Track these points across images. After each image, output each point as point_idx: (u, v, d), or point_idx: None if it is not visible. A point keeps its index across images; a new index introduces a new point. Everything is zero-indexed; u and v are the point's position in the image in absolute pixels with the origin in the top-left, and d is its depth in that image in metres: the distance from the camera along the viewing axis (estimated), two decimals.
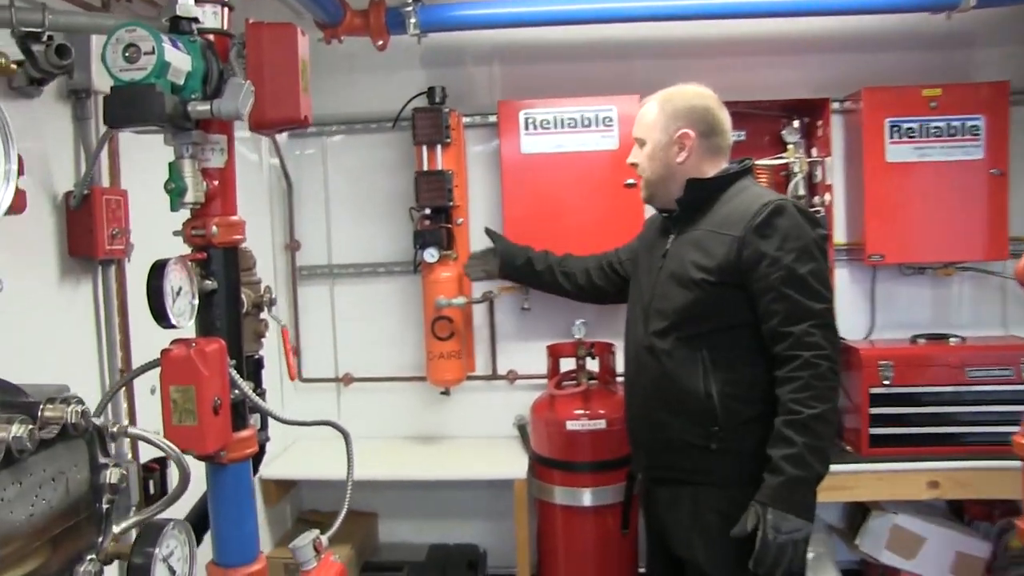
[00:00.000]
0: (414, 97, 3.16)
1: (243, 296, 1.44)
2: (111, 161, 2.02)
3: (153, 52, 1.15)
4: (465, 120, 3.29)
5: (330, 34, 2.78)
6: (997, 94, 3.02)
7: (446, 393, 3.27)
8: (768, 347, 1.95)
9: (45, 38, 1.76)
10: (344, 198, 3.47)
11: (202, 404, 1.25)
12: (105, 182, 2.01)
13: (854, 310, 3.28)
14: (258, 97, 1.32)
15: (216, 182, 1.36)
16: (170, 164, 1.28)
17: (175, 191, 1.26)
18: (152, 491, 2.00)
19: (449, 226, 3.12)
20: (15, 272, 1.68)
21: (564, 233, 3.05)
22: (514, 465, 3.06)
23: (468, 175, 3.33)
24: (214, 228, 1.33)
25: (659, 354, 2.06)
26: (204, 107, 1.25)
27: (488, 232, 2.98)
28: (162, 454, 1.32)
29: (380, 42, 2.83)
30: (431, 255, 3.06)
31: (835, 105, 3.16)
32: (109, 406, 1.59)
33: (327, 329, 3.51)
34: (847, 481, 2.83)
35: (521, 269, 2.85)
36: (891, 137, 3.02)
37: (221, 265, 1.36)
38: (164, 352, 1.27)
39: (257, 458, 1.50)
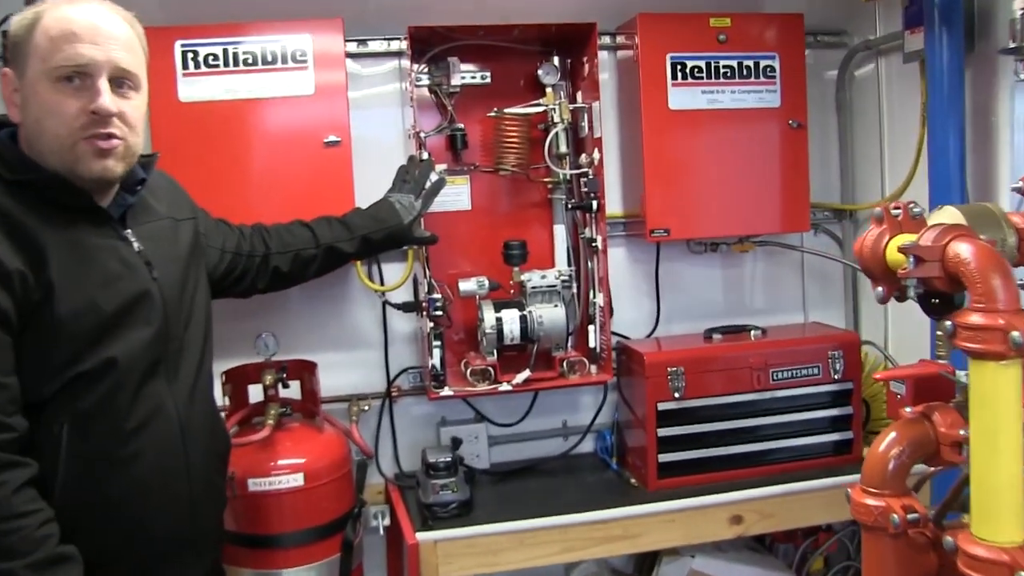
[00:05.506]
0: None
1: None
2: None
3: None
4: None
5: None
6: (791, 28, 2.45)
7: None
8: None
9: None
10: None
11: None
12: None
13: (636, 298, 2.62)
14: None
15: None
16: None
17: None
18: None
19: None
20: None
21: (248, 204, 2.14)
22: None
23: None
24: None
25: None
26: None
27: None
28: None
29: None
30: None
31: (606, 40, 2.47)
32: None
33: None
34: (632, 528, 2.16)
35: None
36: (674, 78, 2.36)
37: None
38: None
39: None
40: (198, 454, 1.56)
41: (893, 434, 1.24)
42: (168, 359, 1.51)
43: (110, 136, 1.40)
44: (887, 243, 1.18)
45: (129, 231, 1.50)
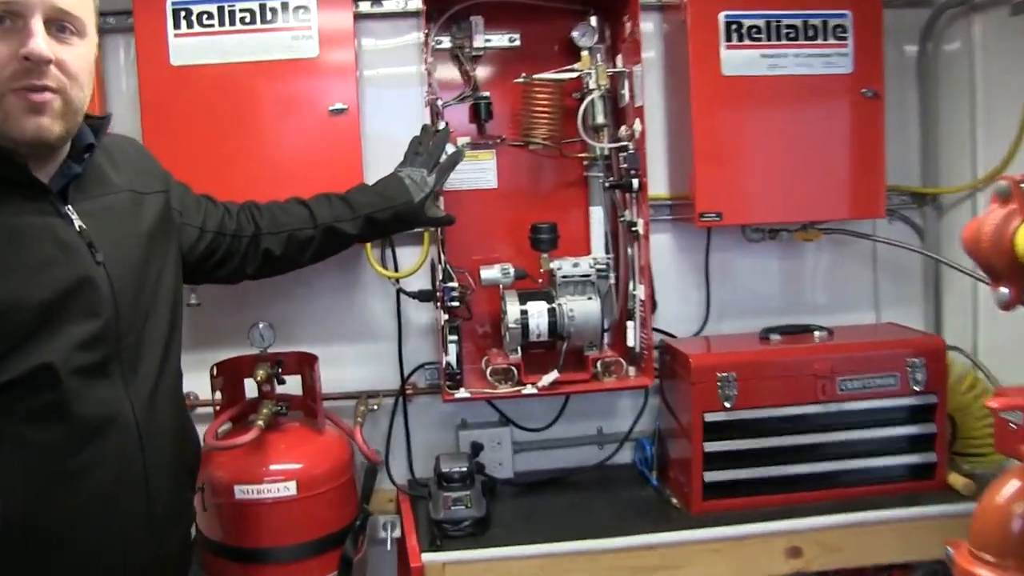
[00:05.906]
0: None
1: None
2: None
3: None
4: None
5: None
6: None
7: None
8: None
9: None
10: None
11: None
12: None
13: (682, 291, 2.34)
14: None
15: None
16: None
17: None
18: None
19: None
20: None
21: (246, 179, 1.97)
22: None
23: None
24: None
25: None
26: None
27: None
28: None
29: None
30: None
31: None
32: None
33: None
34: (672, 557, 1.89)
35: None
36: (728, 39, 2.07)
37: None
38: None
39: None
40: (160, 465, 1.35)
41: (1016, 483, 0.94)
42: (122, 356, 1.29)
43: (44, 88, 1.17)
44: (1017, 228, 0.88)
45: (70, 207, 1.27)
